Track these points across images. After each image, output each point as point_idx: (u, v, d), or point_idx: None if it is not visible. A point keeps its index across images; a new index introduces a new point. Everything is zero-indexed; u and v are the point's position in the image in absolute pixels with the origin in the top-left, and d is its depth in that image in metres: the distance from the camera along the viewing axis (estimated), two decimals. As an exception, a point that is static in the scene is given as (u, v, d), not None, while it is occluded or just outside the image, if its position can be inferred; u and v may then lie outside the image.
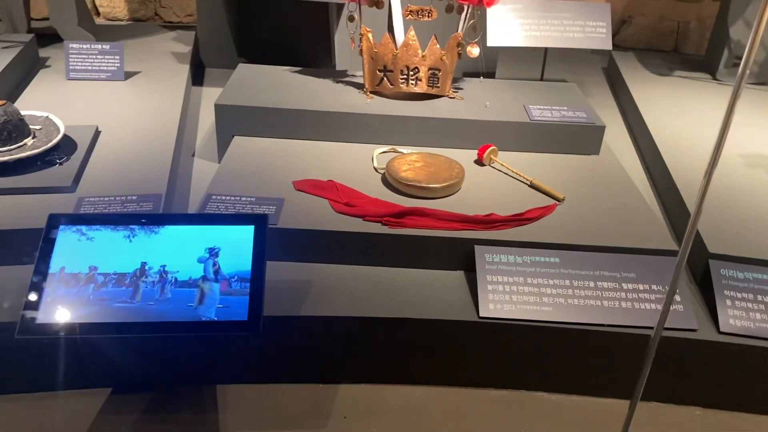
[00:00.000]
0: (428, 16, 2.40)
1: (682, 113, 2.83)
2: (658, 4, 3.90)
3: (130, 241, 1.49)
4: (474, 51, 2.41)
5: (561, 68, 3.35)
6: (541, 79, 3.05)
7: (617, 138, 2.80)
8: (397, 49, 2.37)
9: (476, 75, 2.73)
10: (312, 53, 3.14)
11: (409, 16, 2.40)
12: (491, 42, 2.86)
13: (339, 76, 2.61)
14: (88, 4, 3.55)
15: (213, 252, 1.46)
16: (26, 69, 2.73)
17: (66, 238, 1.48)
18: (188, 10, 3.95)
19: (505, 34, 2.91)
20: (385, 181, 2.07)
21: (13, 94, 2.51)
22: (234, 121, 2.30)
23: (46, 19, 3.44)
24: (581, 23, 2.97)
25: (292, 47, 3.14)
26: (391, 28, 3.01)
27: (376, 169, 2.15)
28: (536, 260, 1.73)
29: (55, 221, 1.49)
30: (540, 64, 3.06)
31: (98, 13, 3.92)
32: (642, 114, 2.80)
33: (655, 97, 3.01)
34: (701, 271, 1.81)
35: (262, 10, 2.97)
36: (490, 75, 3.07)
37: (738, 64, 3.14)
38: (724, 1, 3.33)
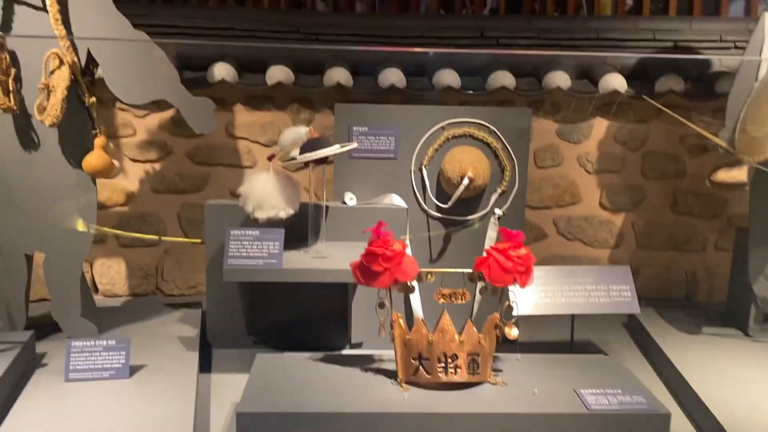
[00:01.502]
0: (461, 299, 2.29)
1: (731, 378, 2.65)
2: (664, 256, 3.94)
3: None
4: (513, 332, 2.28)
5: (582, 326, 3.21)
6: (571, 348, 2.91)
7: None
8: (432, 335, 2.21)
9: (507, 342, 2.56)
10: (326, 331, 2.99)
11: (442, 299, 2.29)
12: (517, 312, 2.75)
13: (366, 363, 2.41)
14: (88, 283, 3.43)
15: None
16: (22, 372, 2.48)
17: None
18: (191, 281, 3.86)
19: (530, 304, 2.83)
20: (440, 501, 1.78)
21: (7, 404, 2.24)
22: (258, 429, 2.03)
23: (43, 300, 3.29)
24: (605, 287, 2.91)
25: (305, 325, 2.99)
26: (409, 308, 2.93)
27: (427, 487, 1.86)
28: None
29: None
30: (559, 321, 2.93)
31: (97, 290, 3.81)
32: (689, 382, 2.60)
33: (693, 359, 2.83)
34: None
35: (275, 289, 2.87)
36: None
37: (769, 319, 3.08)
38: (737, 253, 3.34)
